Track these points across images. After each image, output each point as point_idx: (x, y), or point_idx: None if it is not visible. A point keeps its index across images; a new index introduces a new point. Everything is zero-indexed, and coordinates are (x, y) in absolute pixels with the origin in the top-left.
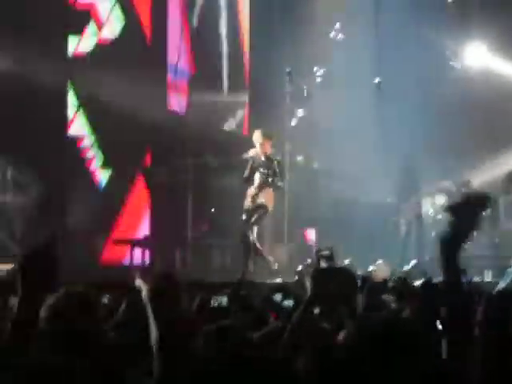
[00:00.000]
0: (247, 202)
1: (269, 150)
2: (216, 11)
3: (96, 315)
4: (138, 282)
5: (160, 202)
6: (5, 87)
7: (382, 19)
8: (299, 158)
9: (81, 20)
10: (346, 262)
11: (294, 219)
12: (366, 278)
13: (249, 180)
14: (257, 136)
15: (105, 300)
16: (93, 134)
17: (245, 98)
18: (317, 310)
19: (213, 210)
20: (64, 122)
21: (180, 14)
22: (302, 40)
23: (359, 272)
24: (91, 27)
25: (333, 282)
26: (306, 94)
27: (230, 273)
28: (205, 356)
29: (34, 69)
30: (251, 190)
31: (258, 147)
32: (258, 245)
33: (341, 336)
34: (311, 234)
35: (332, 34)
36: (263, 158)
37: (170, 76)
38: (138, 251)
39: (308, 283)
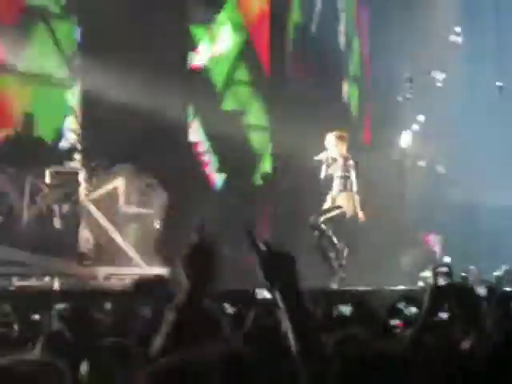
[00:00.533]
0: (326, 205)
1: (344, 152)
2: (334, 19)
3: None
4: None
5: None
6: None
7: (502, 21)
8: (421, 163)
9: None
10: (471, 267)
11: (417, 224)
12: (493, 289)
13: (325, 183)
14: (330, 139)
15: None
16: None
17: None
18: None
19: None
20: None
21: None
22: (421, 45)
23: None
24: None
25: (451, 301)
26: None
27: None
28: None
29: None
30: (331, 194)
31: (333, 150)
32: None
33: (466, 345)
34: (434, 240)
35: (451, 38)
36: (340, 161)
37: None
38: None
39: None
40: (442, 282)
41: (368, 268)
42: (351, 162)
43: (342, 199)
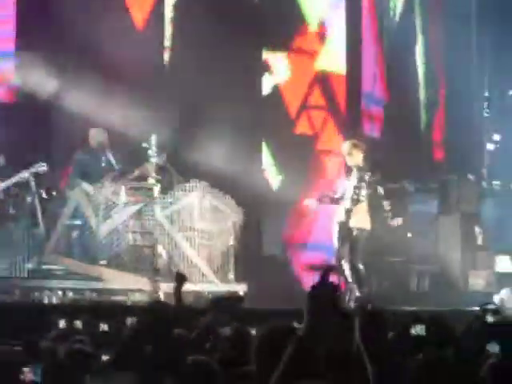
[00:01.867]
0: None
1: (360, 162)
2: (411, 35)
3: None
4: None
5: None
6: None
7: None
8: (496, 183)
9: None
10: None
11: (491, 245)
12: None
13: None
14: (345, 147)
15: None
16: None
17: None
18: None
19: (409, 234)
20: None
21: (374, 39)
22: (500, 63)
23: None
24: None
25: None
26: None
27: (428, 299)
28: None
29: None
30: (344, 206)
31: (347, 159)
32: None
33: None
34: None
35: None
36: (355, 171)
37: (363, 103)
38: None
39: None
40: (490, 318)
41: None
42: (365, 174)
43: (354, 212)
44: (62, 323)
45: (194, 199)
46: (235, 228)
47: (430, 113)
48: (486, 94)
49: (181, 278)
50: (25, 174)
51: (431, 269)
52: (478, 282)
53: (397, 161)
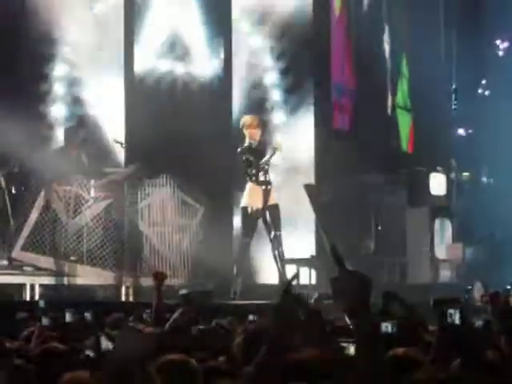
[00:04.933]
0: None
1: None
2: (378, 24)
3: None
4: None
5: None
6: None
7: None
8: (465, 174)
9: None
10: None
11: (460, 238)
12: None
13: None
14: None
15: None
16: None
17: (409, 116)
18: None
19: (379, 227)
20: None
21: (343, 30)
22: (467, 54)
23: None
24: None
25: None
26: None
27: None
28: None
29: None
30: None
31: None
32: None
33: None
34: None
35: (498, 42)
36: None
37: (334, 95)
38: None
39: None
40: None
41: None
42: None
43: None
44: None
45: (164, 194)
46: (204, 221)
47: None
48: (454, 86)
49: (161, 277)
50: None
51: (400, 261)
52: (448, 273)
53: (365, 153)
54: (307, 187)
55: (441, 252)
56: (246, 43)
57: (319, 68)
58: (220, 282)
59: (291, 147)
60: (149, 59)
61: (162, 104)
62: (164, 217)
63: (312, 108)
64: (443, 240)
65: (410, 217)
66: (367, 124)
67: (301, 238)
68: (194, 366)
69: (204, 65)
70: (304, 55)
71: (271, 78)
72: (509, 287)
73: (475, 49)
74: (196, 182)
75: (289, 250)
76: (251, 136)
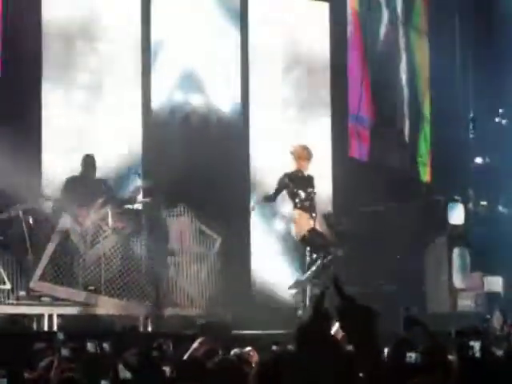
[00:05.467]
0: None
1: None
2: (395, 55)
3: None
4: None
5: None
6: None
7: None
8: (483, 203)
9: None
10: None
11: (478, 266)
12: None
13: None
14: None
15: None
16: None
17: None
18: None
19: (398, 256)
20: None
21: (360, 60)
22: (485, 83)
23: None
24: None
25: None
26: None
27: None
28: None
29: None
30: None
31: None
32: None
33: None
34: (493, 283)
35: None
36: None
37: (351, 124)
38: None
39: None
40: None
41: None
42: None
43: None
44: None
45: (182, 224)
46: (222, 252)
47: (417, 133)
48: (471, 115)
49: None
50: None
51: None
52: (467, 303)
53: (383, 182)
54: (325, 217)
55: (459, 281)
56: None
57: (336, 97)
58: (238, 313)
59: None
60: (165, 92)
61: (180, 134)
62: (182, 246)
63: (329, 136)
64: (462, 269)
65: (428, 247)
66: (385, 152)
67: None
68: None
69: (220, 96)
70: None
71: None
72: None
73: (492, 76)
74: (213, 211)
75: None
76: (300, 167)
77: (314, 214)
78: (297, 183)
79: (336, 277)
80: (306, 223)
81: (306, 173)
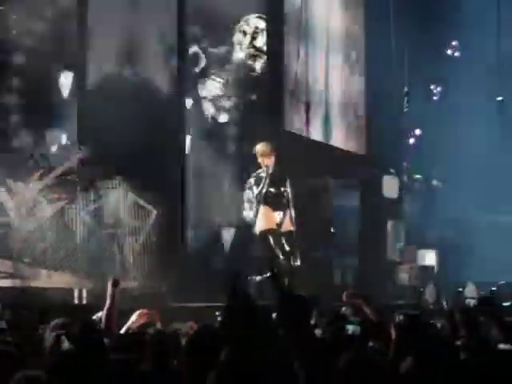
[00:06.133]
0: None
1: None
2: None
3: None
4: None
5: None
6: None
7: (503, 33)
8: (417, 177)
9: None
10: (469, 286)
11: (412, 240)
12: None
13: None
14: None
15: None
16: None
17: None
18: None
19: (333, 229)
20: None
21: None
22: (418, 59)
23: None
24: None
25: None
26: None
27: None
28: None
29: None
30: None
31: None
32: None
33: None
34: (427, 257)
35: (449, 51)
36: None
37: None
38: None
39: None
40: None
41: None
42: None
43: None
44: None
45: (117, 196)
46: (157, 223)
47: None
48: (406, 89)
49: (116, 283)
50: None
51: (354, 262)
52: (403, 276)
53: (320, 156)
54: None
55: (395, 254)
56: None
57: None
58: (173, 284)
59: None
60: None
61: (114, 106)
62: (117, 218)
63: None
64: (397, 242)
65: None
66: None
67: None
68: None
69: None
70: None
71: None
72: (460, 289)
73: (426, 50)
74: (148, 184)
75: None
76: (267, 163)
77: (279, 213)
78: (270, 181)
79: (273, 269)
80: (269, 221)
81: (277, 170)
